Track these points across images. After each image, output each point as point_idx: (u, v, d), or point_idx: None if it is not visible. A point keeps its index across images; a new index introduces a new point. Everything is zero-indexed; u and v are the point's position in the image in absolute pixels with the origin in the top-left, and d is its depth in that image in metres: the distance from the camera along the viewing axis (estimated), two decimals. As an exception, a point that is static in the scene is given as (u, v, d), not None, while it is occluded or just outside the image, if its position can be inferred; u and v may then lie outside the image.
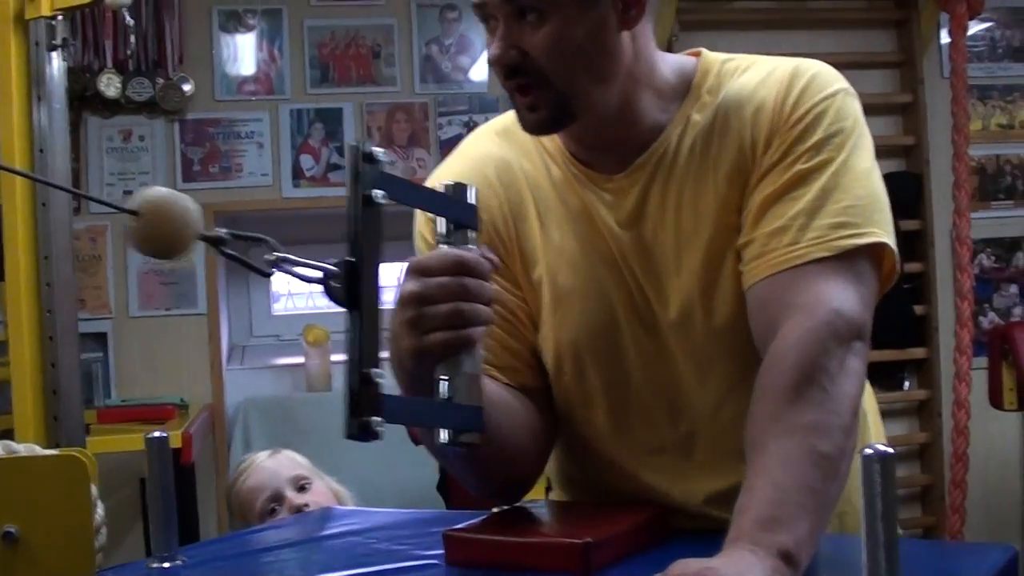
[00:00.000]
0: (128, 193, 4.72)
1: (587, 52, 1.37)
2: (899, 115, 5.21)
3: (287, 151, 4.89)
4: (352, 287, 1.13)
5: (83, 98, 4.63)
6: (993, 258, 5.32)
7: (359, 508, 1.72)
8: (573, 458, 1.63)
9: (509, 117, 1.54)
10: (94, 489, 1.41)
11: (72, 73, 3.06)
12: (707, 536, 1.20)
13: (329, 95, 4.93)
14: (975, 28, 5.16)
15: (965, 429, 4.71)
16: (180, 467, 3.71)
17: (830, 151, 1.38)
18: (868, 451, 0.96)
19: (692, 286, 1.44)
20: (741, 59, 1.51)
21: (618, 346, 1.50)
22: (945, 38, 5.10)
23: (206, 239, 1.06)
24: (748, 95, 1.44)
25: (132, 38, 4.57)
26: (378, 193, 1.14)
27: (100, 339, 4.70)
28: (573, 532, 1.31)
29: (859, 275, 1.35)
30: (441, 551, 1.37)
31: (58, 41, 2.92)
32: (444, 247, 1.27)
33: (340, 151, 4.91)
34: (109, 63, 4.67)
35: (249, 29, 4.91)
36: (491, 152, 1.56)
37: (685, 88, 1.48)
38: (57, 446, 2.56)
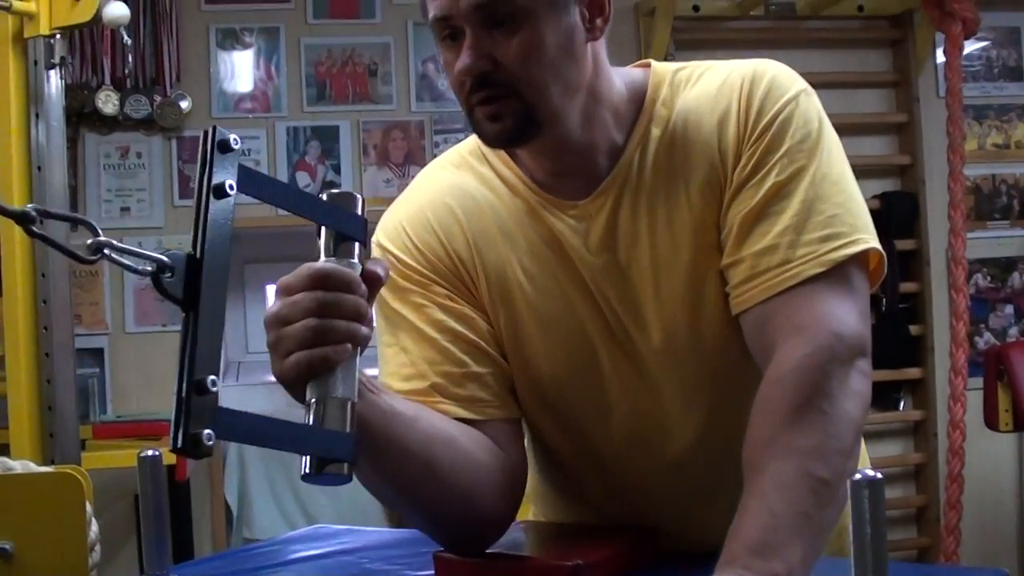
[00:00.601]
0: (125, 210, 4.73)
1: (557, 61, 1.34)
2: (895, 135, 5.22)
3: (283, 168, 4.89)
4: (191, 284, 1.01)
5: (81, 115, 4.64)
6: (989, 278, 5.33)
7: (351, 527, 1.71)
8: (553, 486, 1.61)
9: (463, 148, 1.52)
10: (88, 507, 1.41)
11: (70, 90, 3.08)
12: (697, 559, 1.20)
13: (325, 113, 4.94)
14: (970, 48, 5.18)
15: (960, 450, 4.70)
16: (175, 484, 3.71)
17: (802, 158, 1.36)
18: (857, 476, 0.96)
19: (676, 311, 1.41)
20: (693, 67, 1.47)
21: (599, 376, 1.46)
22: (940, 58, 5.11)
23: (6, 213, 0.93)
24: (708, 105, 1.41)
25: (130, 56, 4.58)
26: (230, 184, 1.04)
27: (96, 355, 4.70)
28: (563, 554, 1.31)
29: (853, 286, 1.33)
30: (432, 571, 1.37)
31: (56, 59, 2.94)
32: (332, 263, 1.16)
33: (336, 169, 4.91)
34: (107, 80, 4.67)
35: (246, 47, 4.92)
36: (450, 180, 1.51)
37: (639, 103, 1.45)
38: (52, 462, 2.56)
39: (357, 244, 1.18)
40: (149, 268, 0.99)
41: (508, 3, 1.30)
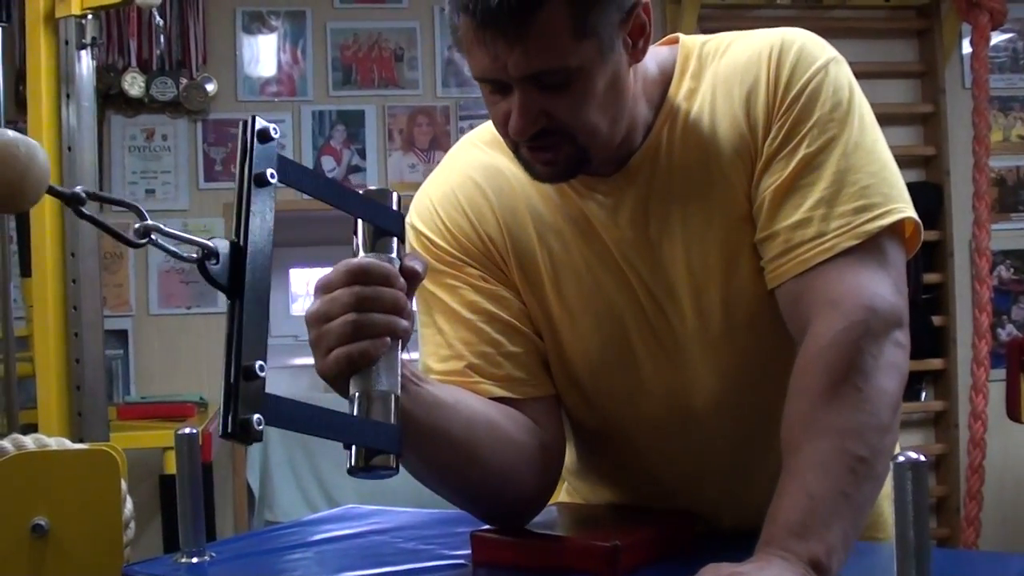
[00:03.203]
0: (150, 192, 4.74)
1: (608, 102, 1.32)
2: (920, 125, 5.21)
3: (308, 152, 4.91)
4: (236, 271, 1.03)
5: (107, 97, 4.66)
6: (1012, 270, 5.32)
7: (383, 508, 1.72)
8: (585, 464, 1.61)
9: (491, 125, 1.48)
10: (123, 484, 1.42)
11: (97, 72, 3.08)
12: (736, 541, 1.20)
13: (351, 97, 4.96)
14: (997, 39, 5.16)
15: (981, 441, 4.69)
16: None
17: (833, 128, 1.34)
18: (900, 458, 0.96)
19: (710, 286, 1.40)
20: (720, 38, 1.45)
21: (631, 359, 1.45)
22: (967, 48, 5.10)
23: (56, 194, 0.94)
24: (737, 76, 1.39)
25: (162, 38, 4.59)
26: (271, 172, 1.06)
27: (121, 336, 4.73)
28: (601, 534, 1.31)
29: (887, 257, 1.32)
30: (467, 551, 1.37)
31: (87, 40, 2.94)
32: (372, 257, 1.17)
33: (361, 153, 4.92)
34: (133, 62, 4.70)
35: (272, 30, 4.93)
36: (480, 160, 1.50)
37: (667, 79, 1.43)
38: (81, 441, 2.57)
39: (395, 239, 1.19)
40: (194, 255, 1.01)
41: (559, 72, 1.27)
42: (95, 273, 3.01)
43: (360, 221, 1.19)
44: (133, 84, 4.67)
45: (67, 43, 2.95)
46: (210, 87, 4.81)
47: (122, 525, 1.40)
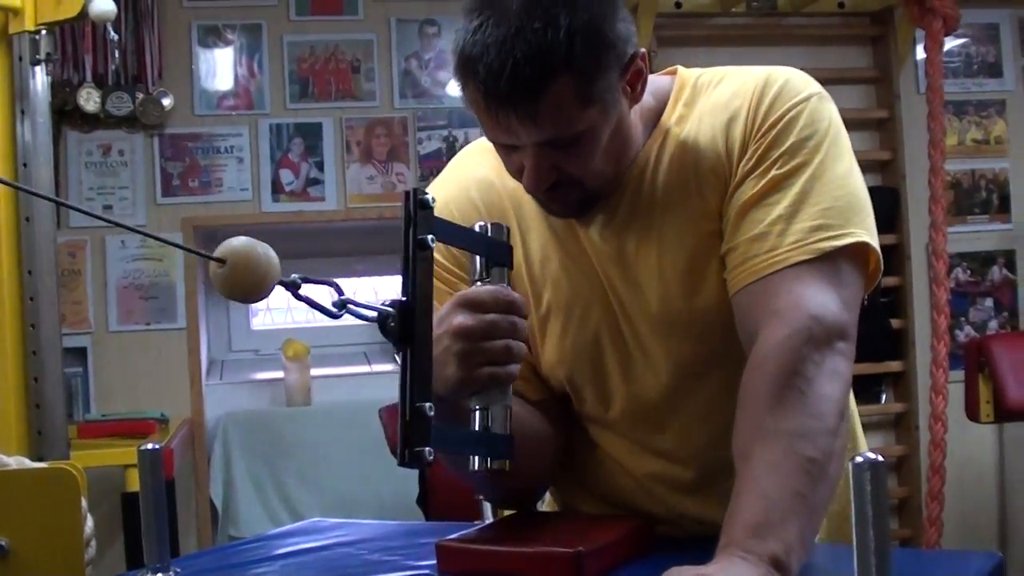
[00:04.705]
0: (107, 208, 4.71)
1: (613, 148, 1.40)
2: (875, 130, 5.26)
3: (266, 166, 4.89)
4: (406, 326, 1.20)
5: (62, 112, 4.62)
6: (969, 272, 5.36)
7: (347, 520, 1.72)
8: (561, 471, 1.64)
9: None
10: (84, 502, 1.41)
11: (52, 88, 3.06)
12: (698, 544, 1.21)
13: (308, 110, 4.94)
14: (950, 44, 5.21)
15: (942, 442, 4.73)
16: (161, 482, 3.68)
17: (804, 155, 1.39)
18: (859, 459, 0.97)
19: (675, 284, 1.44)
20: (715, 72, 1.52)
21: (600, 358, 1.51)
22: (921, 54, 5.15)
23: (284, 284, 1.12)
24: (723, 104, 1.45)
25: (116, 52, 4.56)
26: (430, 238, 1.22)
27: (80, 354, 4.68)
28: (565, 541, 1.32)
29: (839, 276, 1.35)
30: (432, 561, 1.38)
31: (42, 55, 2.92)
32: (489, 285, 1.33)
33: (320, 166, 4.90)
34: (89, 77, 4.66)
35: (228, 44, 4.91)
36: (476, 174, 1.57)
37: (663, 106, 1.49)
38: (41, 459, 2.55)
39: (505, 269, 1.35)
40: (376, 316, 1.19)
41: (569, 137, 1.35)
42: (53, 291, 2.99)
43: (476, 252, 1.36)
44: (89, 99, 4.64)
45: (21, 59, 2.93)
46: (166, 101, 4.78)
47: (83, 544, 1.40)
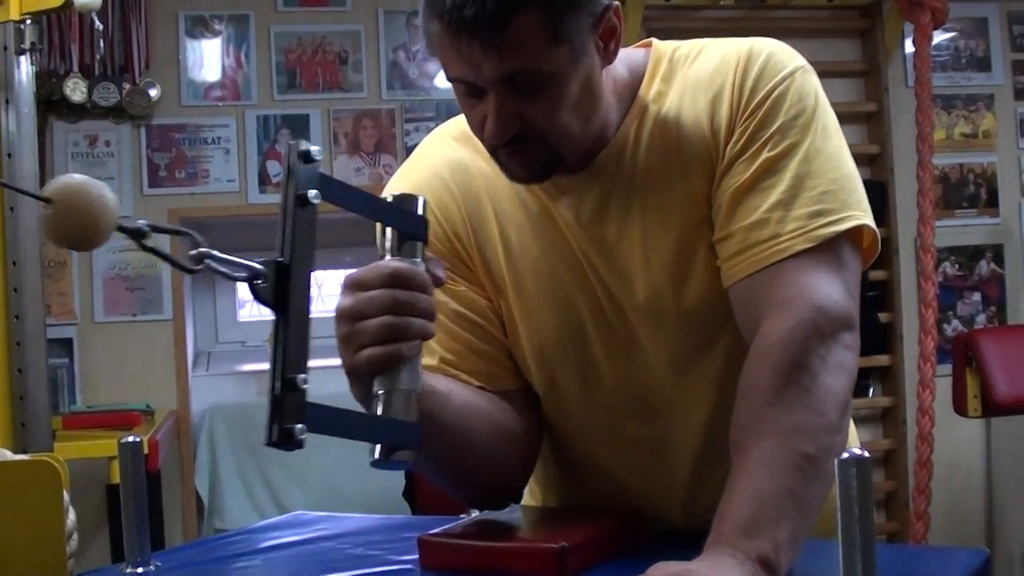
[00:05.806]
0: (93, 199, 4.68)
1: (580, 104, 1.34)
2: (864, 124, 5.25)
3: (253, 157, 4.88)
4: (280, 288, 1.10)
5: (49, 103, 4.60)
6: (957, 266, 5.37)
7: (331, 514, 1.71)
8: (554, 459, 1.61)
9: (463, 119, 1.49)
10: (66, 495, 1.40)
11: (38, 78, 3.04)
12: (686, 539, 1.20)
13: (296, 101, 4.93)
14: (939, 38, 5.21)
15: (929, 436, 4.74)
16: (146, 474, 3.68)
17: (795, 135, 1.36)
18: (844, 455, 0.96)
19: (662, 275, 1.41)
20: (692, 44, 1.48)
21: (586, 349, 1.47)
22: (909, 48, 5.15)
23: (124, 230, 1.00)
24: (705, 81, 1.41)
25: (101, 43, 4.54)
26: (313, 193, 1.12)
27: (65, 345, 4.67)
28: (548, 536, 1.31)
29: (842, 262, 1.33)
30: (415, 556, 1.37)
31: (27, 45, 2.91)
32: (398, 260, 1.22)
33: (307, 157, 4.88)
34: (75, 68, 4.64)
35: (215, 35, 4.89)
36: (447, 156, 1.52)
37: (638, 80, 1.45)
38: (24, 452, 2.54)
39: (420, 243, 1.24)
40: (244, 275, 1.08)
41: (533, 73, 1.29)
42: (37, 281, 2.98)
43: (386, 224, 1.24)
44: (75, 90, 4.62)
45: (6, 48, 2.92)
46: (153, 92, 4.76)
47: (65, 537, 1.38)
